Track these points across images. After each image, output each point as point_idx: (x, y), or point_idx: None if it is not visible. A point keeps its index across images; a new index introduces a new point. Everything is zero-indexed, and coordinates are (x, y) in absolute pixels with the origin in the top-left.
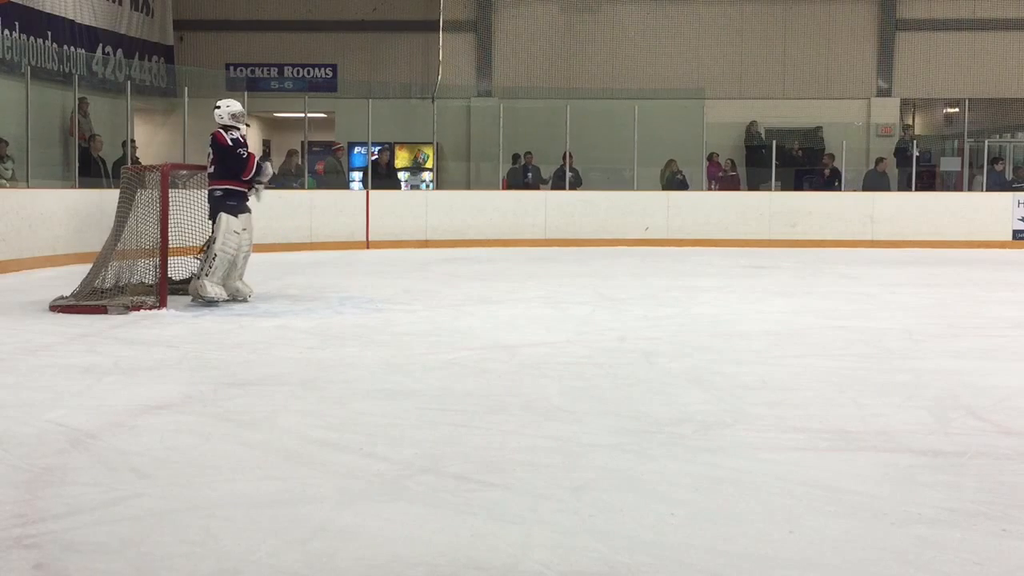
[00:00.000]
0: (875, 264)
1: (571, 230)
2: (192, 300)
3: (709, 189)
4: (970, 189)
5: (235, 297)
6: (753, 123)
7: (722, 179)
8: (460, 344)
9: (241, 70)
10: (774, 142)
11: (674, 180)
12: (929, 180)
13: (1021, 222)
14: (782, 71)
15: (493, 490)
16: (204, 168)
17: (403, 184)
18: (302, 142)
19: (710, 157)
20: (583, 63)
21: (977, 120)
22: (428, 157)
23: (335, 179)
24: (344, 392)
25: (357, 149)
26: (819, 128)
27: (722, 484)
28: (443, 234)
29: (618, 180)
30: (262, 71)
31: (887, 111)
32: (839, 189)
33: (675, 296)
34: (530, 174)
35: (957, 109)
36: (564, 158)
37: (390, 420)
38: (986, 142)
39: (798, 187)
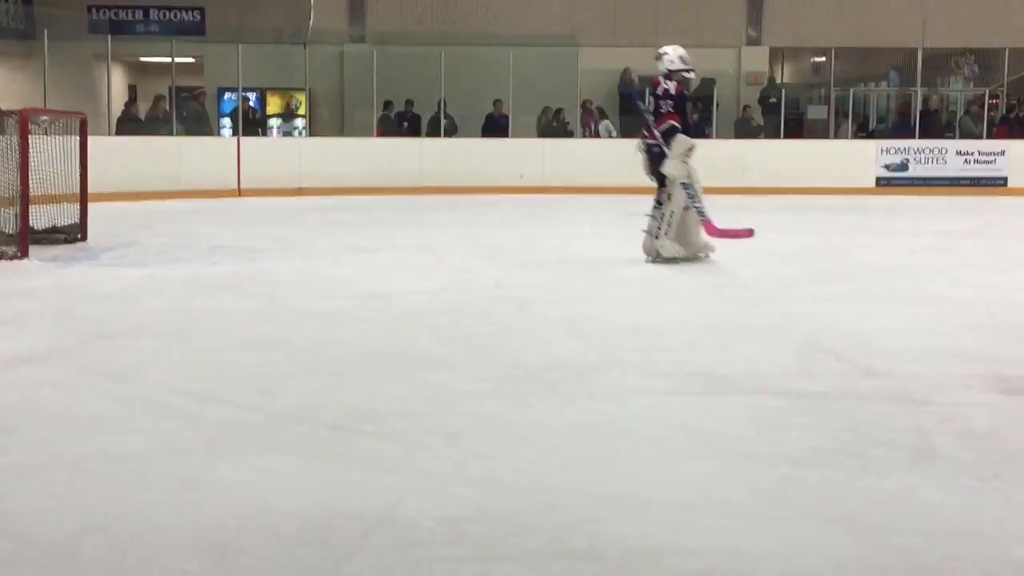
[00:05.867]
0: (746, 211)
1: (446, 177)
2: (650, 259)
3: (584, 136)
4: (836, 137)
5: (697, 254)
6: (627, 70)
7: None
8: (334, 293)
9: (104, 12)
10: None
11: (550, 127)
12: (797, 128)
13: (884, 169)
14: (654, 19)
15: (367, 439)
16: (65, 113)
17: (275, 131)
18: (169, 87)
19: (584, 104)
20: (458, 9)
21: (843, 69)
22: (300, 104)
23: (201, 125)
24: (215, 343)
25: (227, 95)
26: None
27: (595, 429)
28: (317, 181)
29: (496, 126)
30: (126, 14)
31: (757, 60)
32: (710, 136)
33: (549, 243)
34: (406, 122)
35: (824, 58)
36: (439, 105)
37: (263, 371)
38: (851, 91)
39: None
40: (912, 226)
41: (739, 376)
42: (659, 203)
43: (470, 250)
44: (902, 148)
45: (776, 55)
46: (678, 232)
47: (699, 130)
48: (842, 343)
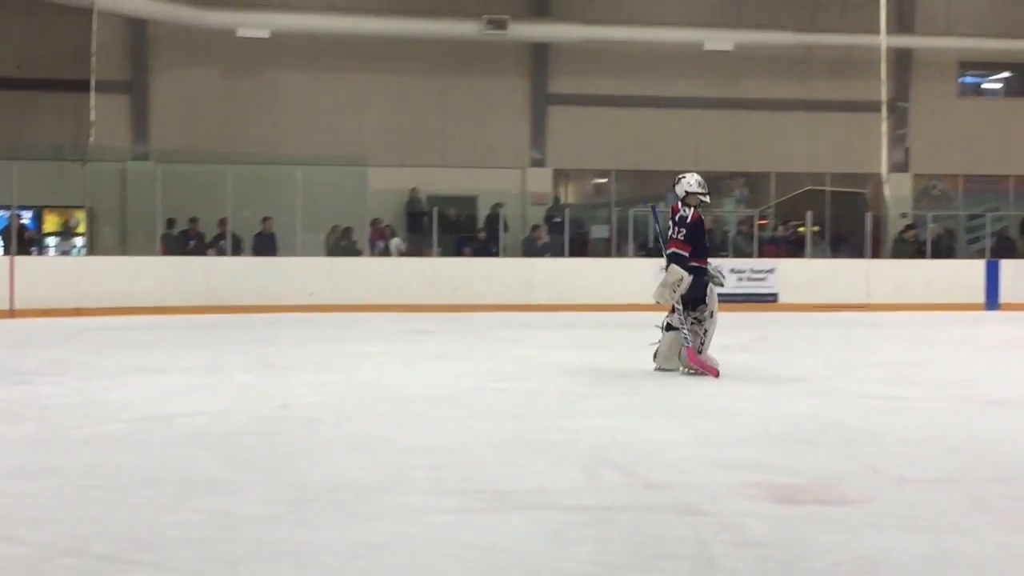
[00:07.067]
0: (533, 327)
1: (233, 296)
2: (685, 371)
3: (372, 255)
4: (619, 255)
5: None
6: (415, 189)
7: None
8: (112, 416)
9: None
10: (435, 209)
11: (338, 246)
12: (582, 247)
13: None
14: (442, 140)
15: (143, 569)
16: None
17: (52, 250)
18: None
19: (373, 223)
20: (245, 128)
21: (623, 190)
22: (79, 221)
23: None
24: None
25: (0, 213)
26: (477, 197)
27: (380, 550)
28: (97, 301)
29: (282, 246)
30: None
31: (541, 180)
32: (498, 255)
33: (339, 362)
34: (192, 240)
35: (606, 180)
36: (223, 224)
37: (31, 500)
38: (631, 211)
39: (459, 253)
40: None
41: (525, 492)
42: (697, 320)
43: (257, 369)
44: None
45: (560, 176)
46: (670, 350)
47: (487, 249)
48: (626, 456)
